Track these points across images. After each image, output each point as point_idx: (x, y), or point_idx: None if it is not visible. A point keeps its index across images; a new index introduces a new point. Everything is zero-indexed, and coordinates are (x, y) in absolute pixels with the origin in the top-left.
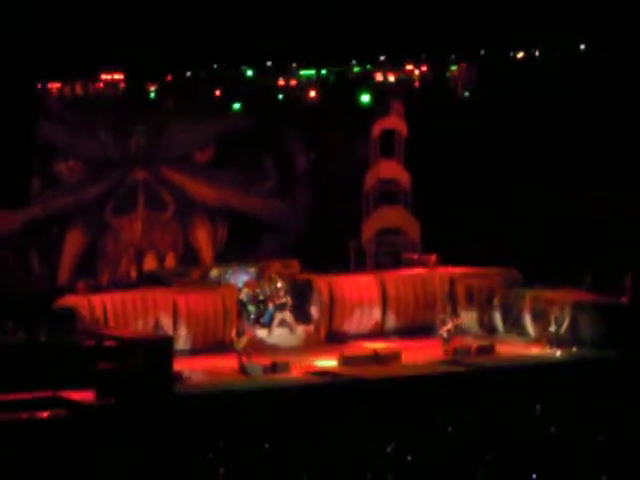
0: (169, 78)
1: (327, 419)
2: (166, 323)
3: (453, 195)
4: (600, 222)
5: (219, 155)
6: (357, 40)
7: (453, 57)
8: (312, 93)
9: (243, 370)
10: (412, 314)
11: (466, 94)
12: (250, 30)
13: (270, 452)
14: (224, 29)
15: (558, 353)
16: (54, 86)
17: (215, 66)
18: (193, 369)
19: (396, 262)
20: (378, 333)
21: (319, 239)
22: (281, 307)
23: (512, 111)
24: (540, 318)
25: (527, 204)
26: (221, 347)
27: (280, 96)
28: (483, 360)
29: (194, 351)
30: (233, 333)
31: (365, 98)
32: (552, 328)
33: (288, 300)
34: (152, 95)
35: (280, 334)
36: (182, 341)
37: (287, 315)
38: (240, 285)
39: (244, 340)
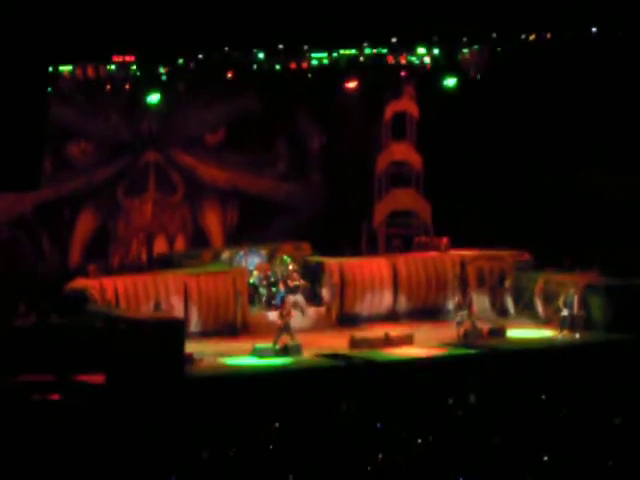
0: (180, 60)
1: (338, 401)
2: (177, 305)
3: (465, 177)
4: (613, 203)
5: (230, 137)
6: (369, 23)
7: (465, 40)
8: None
9: (254, 352)
10: (423, 297)
11: (478, 76)
12: (262, 13)
13: (280, 434)
14: (235, 11)
15: (577, 335)
16: (66, 69)
17: (226, 49)
18: (204, 351)
19: (408, 245)
20: (389, 315)
21: (331, 222)
22: (293, 290)
23: (523, 93)
24: (551, 301)
25: (539, 186)
26: (232, 329)
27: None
28: (494, 342)
29: (205, 333)
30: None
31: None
32: (565, 312)
33: (302, 283)
34: (163, 77)
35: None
36: (193, 323)
37: (299, 298)
38: (251, 268)
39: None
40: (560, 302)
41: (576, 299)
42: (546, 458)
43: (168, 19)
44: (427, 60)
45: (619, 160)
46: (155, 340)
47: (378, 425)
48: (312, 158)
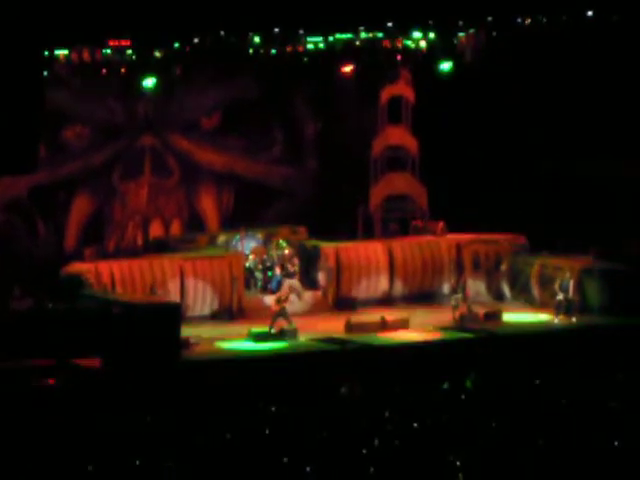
0: (176, 44)
1: (334, 385)
2: (173, 289)
3: (460, 161)
4: (609, 188)
5: (226, 122)
6: (365, 7)
7: (461, 24)
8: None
9: (250, 336)
10: (419, 280)
11: (473, 60)
12: None
13: (276, 418)
14: None
15: (573, 319)
16: (61, 52)
17: (222, 33)
18: (200, 335)
19: (403, 229)
20: (385, 299)
21: (327, 206)
22: (289, 274)
23: (519, 77)
24: (547, 285)
25: (535, 170)
26: (228, 313)
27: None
28: (490, 326)
29: (201, 318)
30: (274, 299)
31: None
32: (561, 296)
33: (296, 268)
34: (159, 62)
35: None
36: (189, 308)
37: (295, 282)
38: (247, 252)
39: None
40: (556, 286)
41: (572, 283)
42: (542, 442)
43: (164, 3)
44: (423, 44)
45: (616, 145)
46: (151, 324)
47: (374, 409)
48: (308, 142)
